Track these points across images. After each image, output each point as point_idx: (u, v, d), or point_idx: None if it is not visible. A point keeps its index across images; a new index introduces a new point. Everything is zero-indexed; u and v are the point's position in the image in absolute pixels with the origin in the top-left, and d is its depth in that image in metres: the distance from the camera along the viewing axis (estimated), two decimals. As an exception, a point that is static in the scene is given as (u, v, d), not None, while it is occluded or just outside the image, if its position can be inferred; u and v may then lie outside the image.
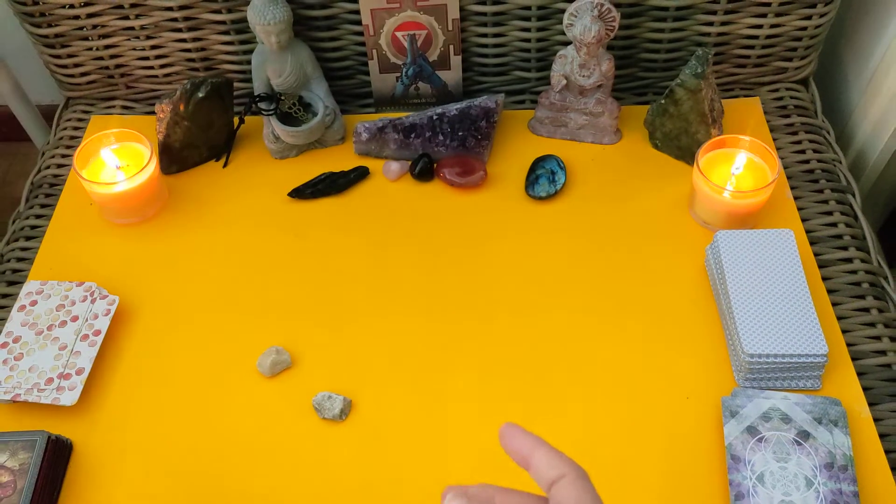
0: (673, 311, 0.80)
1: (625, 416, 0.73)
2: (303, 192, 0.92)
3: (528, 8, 0.95)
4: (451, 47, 0.97)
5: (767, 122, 0.98)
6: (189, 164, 0.97)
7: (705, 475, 0.69)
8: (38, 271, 0.88)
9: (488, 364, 0.78)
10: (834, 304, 0.80)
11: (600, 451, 0.72)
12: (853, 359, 0.76)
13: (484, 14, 0.95)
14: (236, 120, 0.97)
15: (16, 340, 0.78)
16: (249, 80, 0.99)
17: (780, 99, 1.01)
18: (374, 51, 0.97)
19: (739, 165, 0.85)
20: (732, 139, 0.86)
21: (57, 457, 0.71)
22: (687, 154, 0.92)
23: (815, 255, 0.85)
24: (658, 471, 0.70)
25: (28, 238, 0.92)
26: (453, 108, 0.93)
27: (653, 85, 1.02)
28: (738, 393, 0.72)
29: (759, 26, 0.96)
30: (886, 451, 0.70)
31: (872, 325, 0.79)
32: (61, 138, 1.03)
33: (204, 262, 0.88)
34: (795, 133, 0.97)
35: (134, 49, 1.00)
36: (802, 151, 0.95)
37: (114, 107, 1.06)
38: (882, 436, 0.71)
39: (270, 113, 0.94)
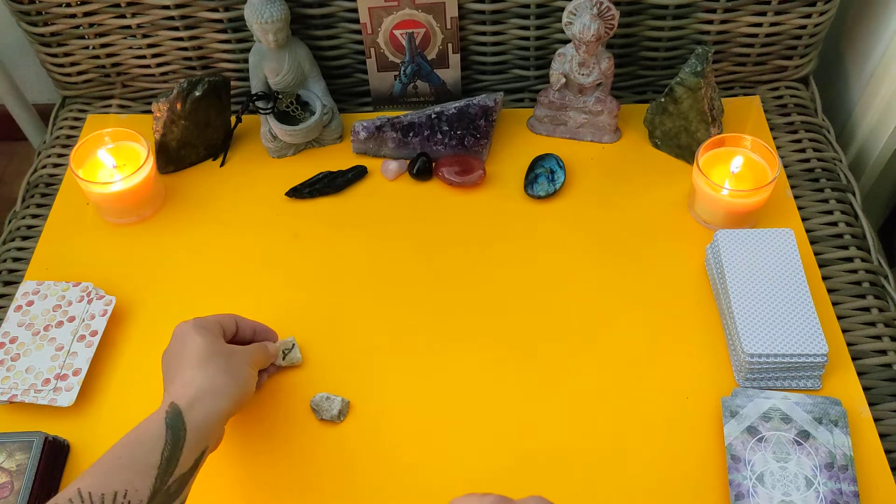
0: (673, 311, 0.80)
1: (624, 416, 0.73)
2: (300, 192, 0.92)
3: (527, 6, 0.94)
4: (450, 46, 0.96)
5: (767, 120, 0.97)
6: (186, 164, 0.96)
7: (705, 475, 0.69)
8: (34, 271, 0.87)
9: (486, 364, 0.77)
10: (834, 304, 0.80)
11: (600, 450, 0.71)
12: (853, 358, 0.76)
13: (482, 12, 0.95)
14: (233, 119, 0.97)
15: (12, 341, 0.78)
16: (247, 79, 0.98)
17: (780, 97, 1.01)
18: (373, 49, 0.97)
19: (739, 164, 0.84)
20: (732, 138, 0.86)
21: (54, 458, 0.71)
22: (687, 153, 0.92)
23: (816, 254, 0.84)
24: (658, 471, 0.70)
25: (24, 238, 0.92)
26: (452, 106, 0.92)
27: (652, 83, 1.02)
28: (738, 393, 0.72)
29: (759, 24, 0.95)
30: (887, 451, 0.70)
31: (873, 324, 0.79)
32: (58, 137, 1.03)
33: (201, 262, 0.87)
34: (795, 132, 0.97)
35: (131, 48, 1.00)
36: (802, 150, 0.95)
37: (110, 106, 1.05)
38: (882, 436, 0.71)
39: (268, 112, 0.93)
